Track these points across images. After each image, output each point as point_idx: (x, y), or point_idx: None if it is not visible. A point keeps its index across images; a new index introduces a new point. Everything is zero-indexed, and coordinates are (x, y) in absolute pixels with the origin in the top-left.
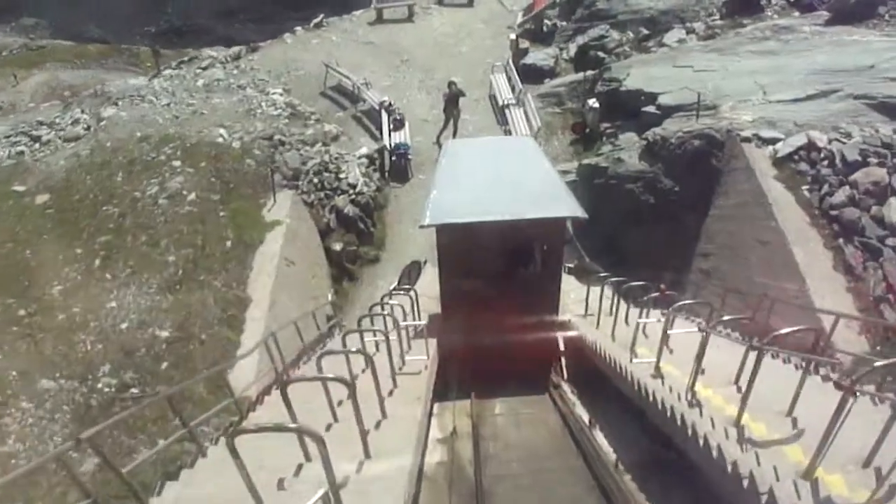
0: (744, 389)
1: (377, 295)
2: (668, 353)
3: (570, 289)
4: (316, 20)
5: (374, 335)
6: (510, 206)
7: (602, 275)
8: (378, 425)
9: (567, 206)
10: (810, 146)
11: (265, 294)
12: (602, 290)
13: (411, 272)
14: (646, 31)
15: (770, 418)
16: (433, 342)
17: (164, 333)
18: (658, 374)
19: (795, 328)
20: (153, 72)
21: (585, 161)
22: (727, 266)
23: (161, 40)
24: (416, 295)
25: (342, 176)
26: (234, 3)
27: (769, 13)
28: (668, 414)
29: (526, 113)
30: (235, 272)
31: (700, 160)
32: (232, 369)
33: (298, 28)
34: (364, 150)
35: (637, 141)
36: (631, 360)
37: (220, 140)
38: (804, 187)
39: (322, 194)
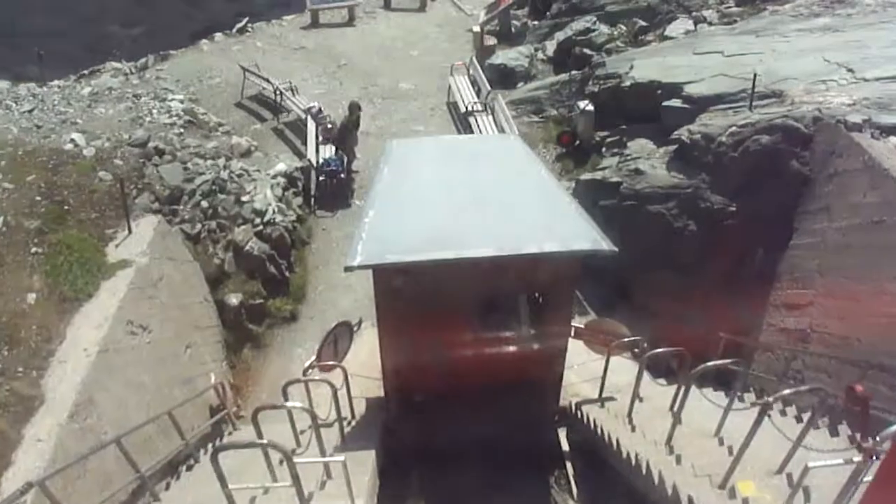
0: None
1: (293, 370)
2: None
3: (577, 359)
4: (239, 24)
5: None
6: (493, 236)
7: (631, 339)
8: None
9: (585, 235)
10: None
11: (72, 388)
12: (641, 363)
13: (338, 339)
14: (643, 23)
15: None
16: (368, 457)
17: None
18: None
19: None
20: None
21: (585, 177)
22: (838, 324)
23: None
24: (346, 375)
25: (245, 199)
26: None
27: None
28: None
29: (496, 120)
30: (28, 349)
31: (772, 164)
32: None
33: (218, 34)
34: (281, 167)
35: (654, 148)
36: None
37: (69, 147)
38: None
39: (214, 224)
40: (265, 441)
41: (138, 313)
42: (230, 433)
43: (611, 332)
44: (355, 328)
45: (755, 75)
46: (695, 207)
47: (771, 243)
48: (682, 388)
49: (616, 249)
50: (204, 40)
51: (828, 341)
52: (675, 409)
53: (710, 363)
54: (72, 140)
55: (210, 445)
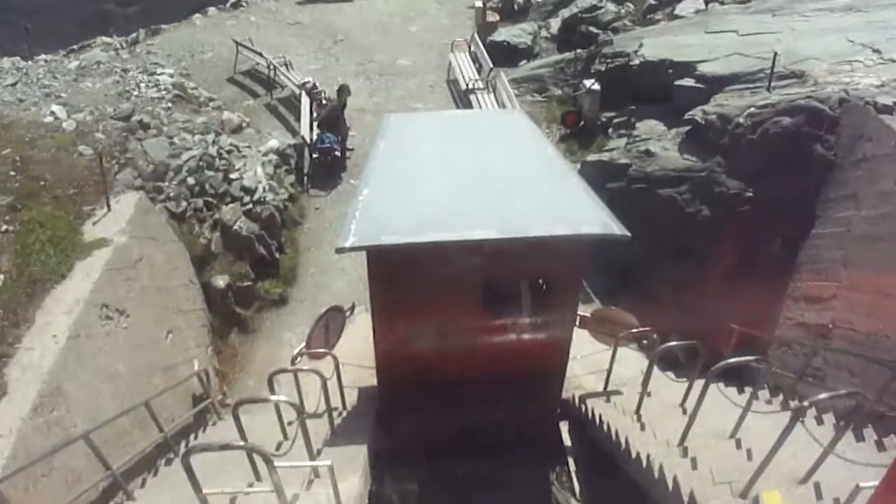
0: None
1: (282, 355)
2: None
3: (582, 349)
4: None
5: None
6: (497, 218)
7: (640, 330)
8: None
9: (595, 219)
10: None
11: (37, 377)
12: (653, 357)
13: (329, 324)
14: (652, 1)
15: None
16: (359, 453)
17: None
18: None
19: None
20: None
21: (591, 158)
22: (864, 320)
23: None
24: (337, 363)
25: (234, 177)
26: None
27: None
28: None
29: (498, 98)
30: None
31: (793, 147)
32: None
33: (211, 8)
34: (273, 144)
35: (665, 130)
36: None
37: (49, 120)
38: None
39: (200, 202)
40: (242, 444)
41: (115, 296)
42: (214, 423)
43: (618, 322)
44: (348, 313)
45: (775, 54)
46: (709, 192)
47: (790, 232)
48: (700, 386)
49: (629, 235)
50: (197, 14)
51: (852, 338)
52: (692, 408)
53: (731, 360)
54: (52, 113)
55: (192, 436)
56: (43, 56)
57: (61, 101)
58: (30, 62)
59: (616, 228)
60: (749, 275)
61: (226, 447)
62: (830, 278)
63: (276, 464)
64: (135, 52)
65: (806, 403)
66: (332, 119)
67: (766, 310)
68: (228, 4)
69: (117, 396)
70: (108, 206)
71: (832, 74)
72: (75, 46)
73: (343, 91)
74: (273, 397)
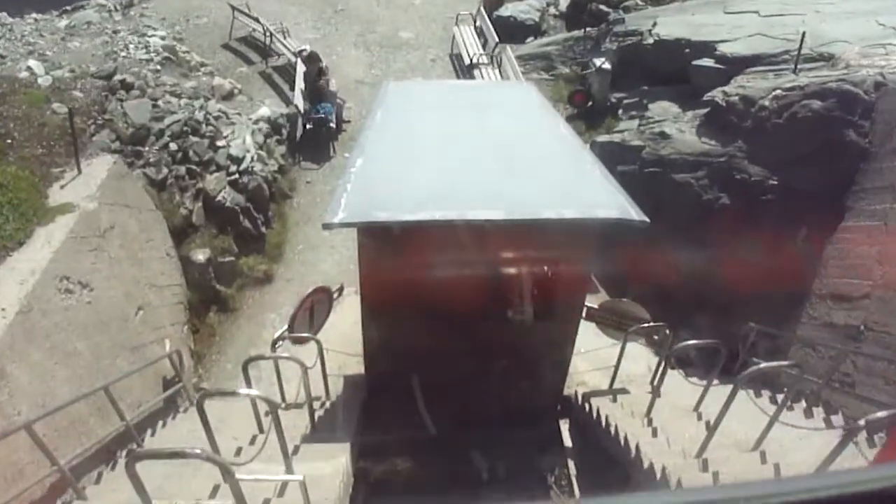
0: None
1: (265, 337)
2: None
3: (586, 343)
4: None
5: None
6: (503, 197)
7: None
8: None
9: (611, 202)
10: None
11: None
12: (668, 356)
13: (315, 307)
14: None
15: None
16: (341, 453)
17: None
18: None
19: None
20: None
21: (602, 139)
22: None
23: None
24: (321, 349)
25: (221, 144)
26: None
27: None
28: None
29: (503, 74)
30: None
31: (824, 133)
32: None
33: None
34: (264, 112)
35: (679, 112)
36: None
37: (24, 75)
38: None
39: (182, 169)
40: (198, 451)
41: (77, 267)
42: (185, 410)
43: (628, 316)
44: (335, 295)
45: (803, 34)
46: (728, 178)
47: (817, 224)
48: (721, 390)
49: (648, 220)
50: None
51: (886, 342)
52: (710, 414)
53: (763, 365)
54: (28, 68)
55: (160, 424)
56: (34, 14)
57: (43, 59)
58: (17, 18)
59: (634, 214)
60: (770, 269)
61: (176, 455)
62: (862, 276)
63: (238, 476)
64: (128, 15)
65: (862, 423)
66: (310, 86)
67: (788, 307)
68: None
69: (74, 379)
70: (79, 168)
71: (865, 58)
72: (68, 7)
73: (312, 59)
74: (243, 391)
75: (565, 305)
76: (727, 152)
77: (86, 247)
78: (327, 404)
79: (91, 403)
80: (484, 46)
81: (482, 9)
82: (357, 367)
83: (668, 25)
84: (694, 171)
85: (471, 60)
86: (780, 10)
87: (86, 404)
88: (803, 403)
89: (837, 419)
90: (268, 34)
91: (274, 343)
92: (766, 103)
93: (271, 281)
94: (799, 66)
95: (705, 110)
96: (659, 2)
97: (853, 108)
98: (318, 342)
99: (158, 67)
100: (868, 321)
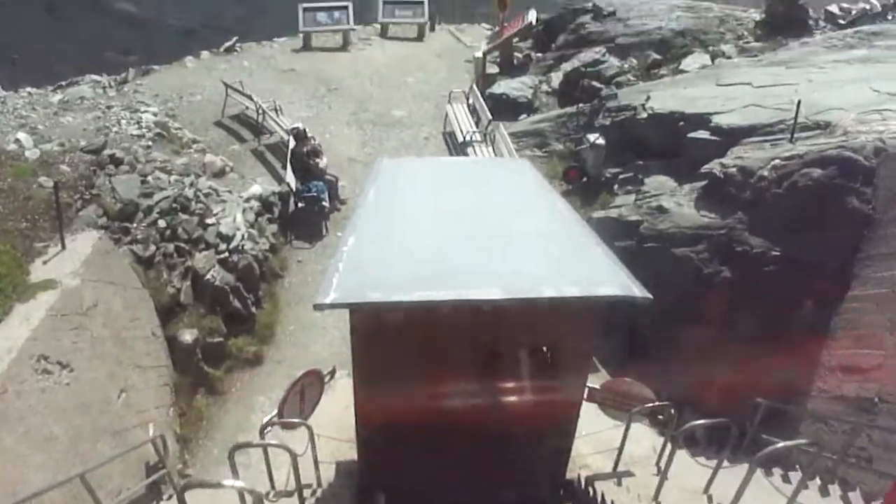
0: None
1: (254, 421)
2: None
3: (587, 425)
4: (228, 44)
5: None
6: (500, 275)
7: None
8: None
9: (613, 279)
10: None
11: None
12: (676, 437)
13: (306, 390)
14: (656, 56)
15: None
16: None
17: None
18: None
19: None
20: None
21: (598, 214)
22: None
23: None
24: (312, 434)
25: (211, 222)
26: None
27: (819, 30)
28: None
29: (497, 152)
30: None
31: (826, 201)
32: None
33: (205, 52)
34: (256, 190)
35: (676, 186)
36: None
37: (12, 147)
38: None
39: (171, 247)
40: None
41: (57, 346)
42: (169, 497)
43: (632, 395)
44: (327, 378)
45: (798, 102)
46: (729, 251)
47: (823, 294)
48: (731, 470)
49: (651, 297)
50: (189, 57)
51: None
52: (723, 497)
53: (780, 444)
54: (16, 140)
55: None
56: (29, 88)
57: (34, 132)
58: (11, 92)
59: (637, 290)
60: (776, 342)
61: None
62: (873, 346)
63: None
64: (122, 91)
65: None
66: (299, 165)
67: (797, 381)
68: (222, 49)
69: (49, 466)
70: (63, 243)
71: (862, 124)
72: (63, 83)
73: (298, 136)
74: (227, 482)
75: (566, 387)
76: (727, 224)
77: (66, 325)
78: (319, 493)
79: (66, 492)
80: (477, 124)
81: (475, 87)
82: (350, 453)
83: (662, 99)
84: (694, 244)
85: (464, 138)
86: (772, 81)
87: (60, 493)
88: (818, 481)
89: (855, 496)
90: (260, 112)
91: (263, 429)
92: (765, 173)
93: (261, 363)
94: (796, 135)
95: (703, 183)
96: (651, 76)
97: (854, 174)
98: (308, 427)
99: (150, 143)
100: (882, 392)
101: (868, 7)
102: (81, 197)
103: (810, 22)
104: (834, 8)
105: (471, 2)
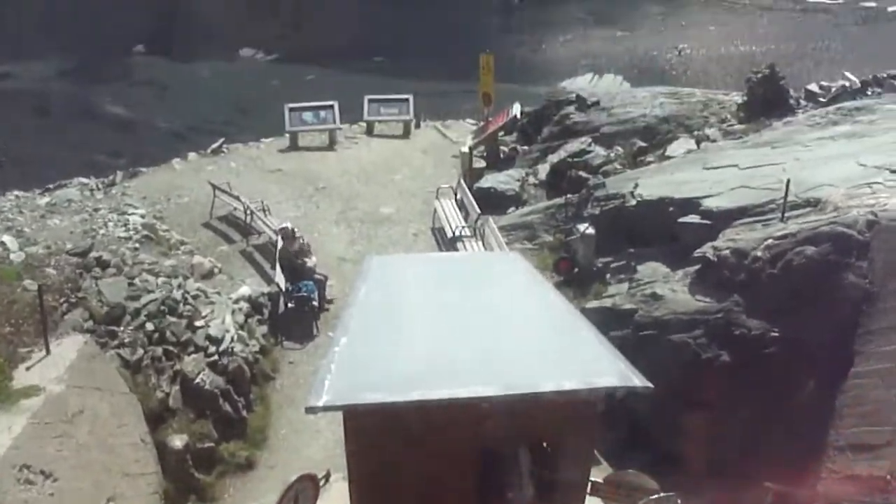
0: None
1: None
2: None
3: None
4: (215, 145)
5: None
6: (497, 371)
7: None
8: None
9: (611, 369)
10: None
11: None
12: None
13: (299, 496)
14: (642, 144)
15: None
16: None
17: None
18: None
19: None
20: None
21: (592, 305)
22: None
23: None
24: None
25: (200, 324)
26: None
27: (801, 108)
28: None
29: (487, 246)
30: None
31: (822, 278)
32: None
33: (192, 154)
34: (245, 291)
35: (669, 272)
36: None
37: None
38: None
39: (159, 350)
40: None
41: (40, 455)
42: None
43: (635, 487)
44: (322, 483)
45: (787, 181)
46: (727, 334)
47: (825, 373)
48: None
49: (651, 386)
50: (177, 159)
51: None
52: None
53: None
54: (1, 243)
55: None
56: (16, 192)
57: (20, 235)
58: None
59: (636, 380)
60: (780, 424)
61: None
62: (882, 422)
63: None
64: (110, 193)
65: None
66: (288, 265)
67: (804, 463)
68: (209, 150)
69: None
70: (48, 348)
71: (853, 199)
72: (51, 185)
73: (286, 236)
74: None
75: (569, 482)
76: (723, 308)
77: (50, 433)
78: None
79: None
80: (466, 219)
81: (462, 182)
82: None
83: (650, 186)
84: (690, 329)
85: (453, 233)
86: (759, 162)
87: None
88: None
89: None
90: (248, 212)
91: None
92: (759, 254)
93: (253, 468)
94: (787, 214)
95: (696, 267)
96: (637, 164)
97: (848, 249)
98: None
99: (137, 245)
100: (894, 470)
101: (847, 84)
102: (67, 300)
103: (791, 101)
104: (814, 87)
105: (455, 99)
